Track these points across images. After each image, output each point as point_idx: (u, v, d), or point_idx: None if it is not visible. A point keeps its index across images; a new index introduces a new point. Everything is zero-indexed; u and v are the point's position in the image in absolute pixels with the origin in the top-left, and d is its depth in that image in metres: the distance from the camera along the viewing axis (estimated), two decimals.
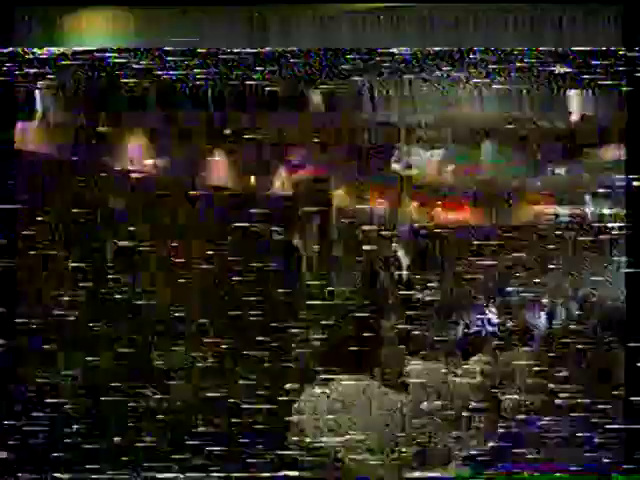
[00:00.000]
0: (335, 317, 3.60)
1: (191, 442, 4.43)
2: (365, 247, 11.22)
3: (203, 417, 6.61)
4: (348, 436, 3.13)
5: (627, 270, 2.59)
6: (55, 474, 2.27)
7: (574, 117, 10.23)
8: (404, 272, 10.13)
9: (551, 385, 2.70)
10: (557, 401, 2.67)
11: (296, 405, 3.36)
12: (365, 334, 3.32)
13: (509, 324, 9.25)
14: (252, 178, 12.66)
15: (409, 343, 4.56)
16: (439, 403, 4.40)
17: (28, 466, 2.22)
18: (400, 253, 10.23)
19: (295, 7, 6.27)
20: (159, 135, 10.11)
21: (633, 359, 2.45)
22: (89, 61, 6.87)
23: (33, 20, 6.47)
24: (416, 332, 4.78)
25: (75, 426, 3.33)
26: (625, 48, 2.78)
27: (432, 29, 6.33)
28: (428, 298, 13.70)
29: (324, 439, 3.17)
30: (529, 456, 2.60)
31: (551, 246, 18.23)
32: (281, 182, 13.51)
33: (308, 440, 3.24)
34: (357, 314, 3.48)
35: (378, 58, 7.08)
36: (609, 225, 16.96)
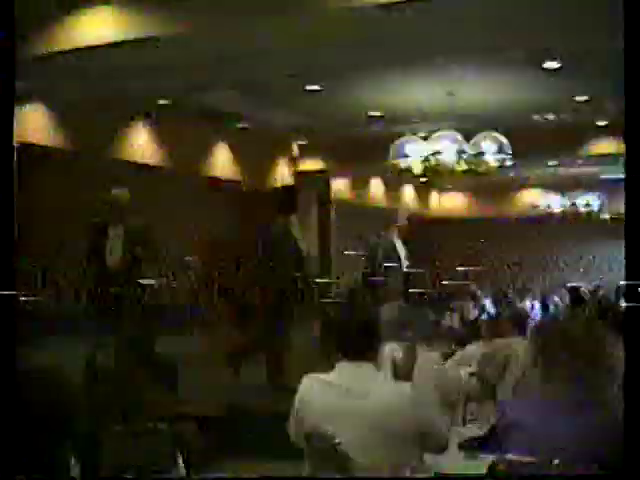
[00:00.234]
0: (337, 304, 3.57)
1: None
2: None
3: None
4: (349, 422, 3.11)
5: (627, 270, 2.55)
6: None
7: None
8: (403, 262, 10.08)
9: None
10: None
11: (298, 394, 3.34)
12: (366, 320, 3.30)
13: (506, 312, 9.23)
14: None
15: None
16: (436, 389, 4.37)
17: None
18: (398, 243, 10.18)
19: None
20: None
21: (633, 359, 2.42)
22: None
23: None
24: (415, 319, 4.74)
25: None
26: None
27: None
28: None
29: (326, 426, 3.15)
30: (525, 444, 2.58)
31: None
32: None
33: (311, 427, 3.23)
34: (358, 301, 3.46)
35: None
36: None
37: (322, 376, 3.30)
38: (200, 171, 11.71)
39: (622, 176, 15.09)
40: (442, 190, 19.99)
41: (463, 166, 9.85)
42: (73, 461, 2.37)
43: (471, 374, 6.00)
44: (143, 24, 6.53)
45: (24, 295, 7.77)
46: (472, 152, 9.83)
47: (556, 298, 16.20)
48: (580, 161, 14.00)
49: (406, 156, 9.99)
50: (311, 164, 13.88)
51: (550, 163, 14.70)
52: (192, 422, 4.11)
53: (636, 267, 2.50)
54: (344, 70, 8.63)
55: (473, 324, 13.55)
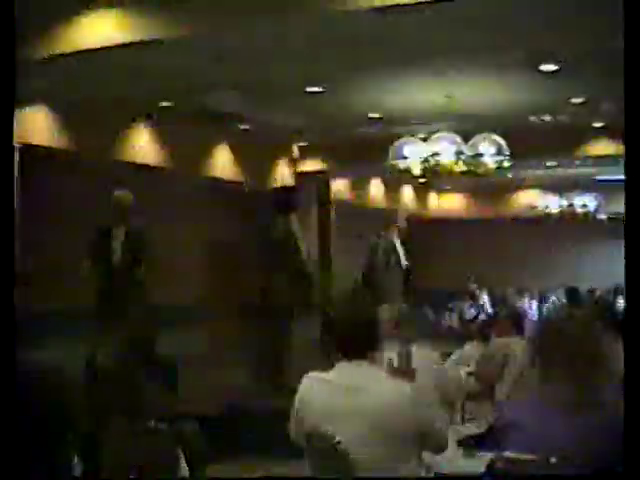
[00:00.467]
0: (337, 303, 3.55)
1: None
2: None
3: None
4: (349, 422, 3.10)
5: (626, 270, 2.54)
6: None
7: None
8: (403, 262, 10.09)
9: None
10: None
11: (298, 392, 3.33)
12: (366, 320, 3.29)
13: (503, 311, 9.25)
14: None
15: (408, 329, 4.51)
16: (436, 389, 4.36)
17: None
18: (398, 244, 10.18)
19: None
20: None
21: (633, 359, 2.41)
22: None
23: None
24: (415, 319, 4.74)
25: None
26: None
27: None
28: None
29: (326, 425, 3.14)
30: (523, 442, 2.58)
31: None
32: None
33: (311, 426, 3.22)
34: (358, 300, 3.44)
35: None
36: None
37: (322, 375, 3.29)
38: (201, 172, 11.71)
39: (619, 177, 15.15)
40: (441, 191, 20.00)
41: (461, 167, 9.85)
42: (75, 461, 2.37)
43: (469, 373, 6.01)
44: (145, 27, 6.52)
45: (26, 295, 7.78)
46: (470, 153, 9.82)
47: (554, 298, 16.21)
48: (577, 162, 14.00)
49: (405, 157, 9.99)
50: (311, 165, 13.87)
51: (548, 164, 14.69)
52: (193, 421, 4.10)
53: (636, 267, 2.49)
54: (344, 72, 8.63)
55: (471, 324, 13.56)
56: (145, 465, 3.11)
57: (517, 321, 6.49)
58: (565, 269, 18.36)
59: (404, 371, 3.39)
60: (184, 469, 3.42)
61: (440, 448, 3.31)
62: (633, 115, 2.53)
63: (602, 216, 17.36)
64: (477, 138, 9.96)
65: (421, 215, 19.15)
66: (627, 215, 2.62)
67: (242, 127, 11.64)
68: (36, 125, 8.73)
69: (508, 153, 9.96)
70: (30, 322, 7.04)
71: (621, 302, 12.07)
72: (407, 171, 10.16)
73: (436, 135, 9.98)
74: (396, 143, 10.11)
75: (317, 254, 13.91)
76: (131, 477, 3.08)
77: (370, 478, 3.11)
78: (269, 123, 11.47)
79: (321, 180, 14.53)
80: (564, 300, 14.79)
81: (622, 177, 14.23)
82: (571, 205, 16.91)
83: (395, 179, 16.44)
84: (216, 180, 12.05)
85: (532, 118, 11.60)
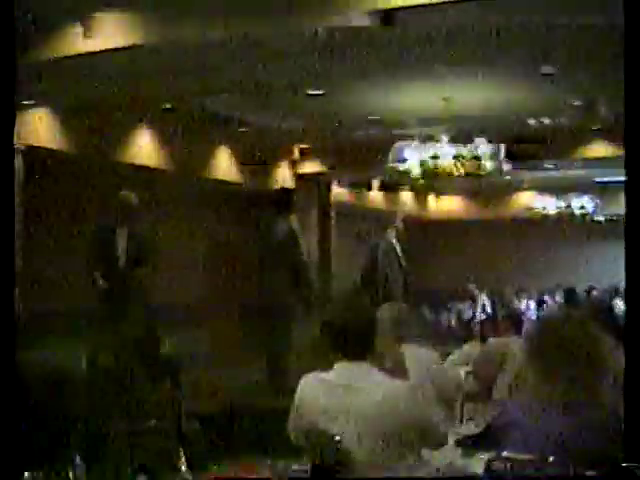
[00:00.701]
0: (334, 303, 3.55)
1: None
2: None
3: None
4: (348, 421, 3.10)
5: (626, 270, 2.53)
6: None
7: None
8: (402, 262, 10.08)
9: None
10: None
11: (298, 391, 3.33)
12: (365, 320, 3.29)
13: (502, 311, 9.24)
14: None
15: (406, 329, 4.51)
16: (435, 388, 4.36)
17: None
18: (397, 244, 10.18)
19: None
20: None
21: (633, 359, 2.40)
22: None
23: None
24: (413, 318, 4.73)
25: None
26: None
27: None
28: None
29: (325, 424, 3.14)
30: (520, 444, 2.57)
31: None
32: None
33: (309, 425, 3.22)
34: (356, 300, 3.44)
35: None
36: None
37: (321, 375, 3.29)
38: (202, 174, 11.71)
39: (616, 179, 15.14)
40: (440, 193, 20.00)
41: (460, 169, 9.85)
42: (78, 459, 2.37)
43: (468, 373, 5.99)
44: (146, 30, 6.52)
45: (29, 296, 7.78)
46: (469, 156, 9.83)
47: (551, 298, 16.20)
48: (575, 164, 14.00)
49: (404, 160, 10.00)
50: (311, 167, 13.87)
51: (546, 166, 14.69)
52: (194, 421, 4.11)
53: (636, 268, 2.48)
54: (344, 75, 8.63)
55: (470, 324, 13.56)
56: (146, 464, 3.11)
57: (515, 321, 6.48)
58: (563, 270, 18.36)
59: (396, 370, 3.39)
60: (185, 469, 3.42)
61: (439, 444, 3.32)
62: (633, 116, 2.52)
63: (600, 218, 17.37)
64: (476, 140, 9.97)
65: (420, 217, 19.16)
66: (627, 216, 2.62)
67: (242, 129, 11.64)
68: (38, 127, 8.73)
69: (506, 155, 9.96)
70: (30, 322, 7.05)
71: (619, 302, 12.06)
72: (406, 173, 10.17)
73: (435, 137, 9.98)
74: (396, 145, 10.12)
75: (317, 255, 13.92)
76: (132, 476, 3.08)
77: (370, 478, 3.11)
78: (269, 125, 11.47)
79: (321, 182, 14.54)
80: (561, 301, 14.80)
81: (620, 178, 14.23)
82: (569, 207, 16.92)
83: (395, 181, 16.45)
84: (217, 182, 12.05)
85: (531, 120, 11.61)
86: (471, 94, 9.91)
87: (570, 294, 14.02)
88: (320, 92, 9.64)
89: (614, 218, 16.58)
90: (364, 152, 12.74)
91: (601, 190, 16.88)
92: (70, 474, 2.19)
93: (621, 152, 11.06)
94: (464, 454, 3.59)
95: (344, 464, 3.05)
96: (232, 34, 6.45)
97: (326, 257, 14.48)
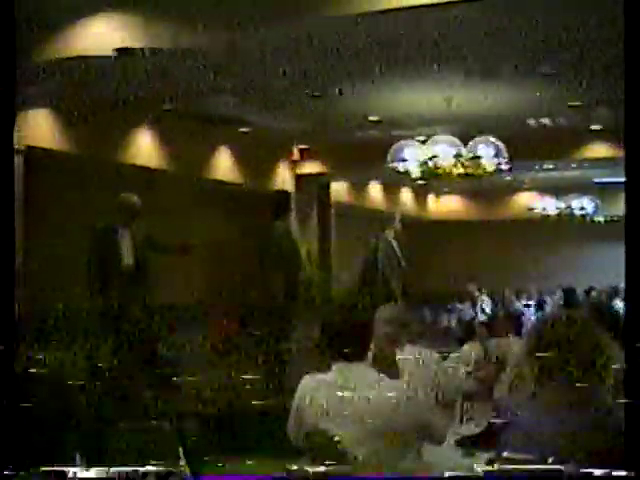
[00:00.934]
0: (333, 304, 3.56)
1: None
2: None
3: None
4: (348, 421, 3.11)
5: (626, 271, 2.53)
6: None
7: None
8: (401, 262, 10.09)
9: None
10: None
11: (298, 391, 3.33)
12: (364, 321, 3.29)
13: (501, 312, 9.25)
14: None
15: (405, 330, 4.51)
16: (434, 388, 4.36)
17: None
18: (395, 244, 10.18)
19: None
20: None
21: (633, 359, 2.40)
22: None
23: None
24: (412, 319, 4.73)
25: None
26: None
27: None
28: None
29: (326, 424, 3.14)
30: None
31: None
32: None
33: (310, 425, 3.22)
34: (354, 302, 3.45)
35: None
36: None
37: (321, 376, 3.30)
38: (203, 174, 11.72)
39: (616, 179, 15.14)
40: (439, 193, 20.00)
41: (460, 169, 9.85)
42: (78, 459, 2.37)
43: (468, 373, 5.99)
44: (146, 30, 6.52)
45: (31, 297, 7.78)
46: (469, 156, 9.83)
47: (551, 299, 16.20)
48: (575, 165, 14.01)
49: (404, 160, 10.00)
50: (311, 167, 13.88)
51: (546, 166, 14.70)
52: (194, 421, 4.11)
53: (636, 269, 2.48)
54: (345, 75, 8.63)
55: (470, 324, 13.55)
56: (146, 464, 3.11)
57: (515, 321, 6.50)
58: (563, 271, 18.37)
59: (387, 371, 3.40)
60: (184, 469, 3.42)
61: (439, 441, 3.33)
62: (633, 116, 2.52)
63: (600, 218, 17.38)
64: (475, 140, 9.97)
65: (420, 217, 19.16)
66: (627, 216, 2.62)
67: (243, 130, 11.64)
68: (39, 128, 8.73)
69: (506, 156, 9.96)
70: (30, 322, 7.05)
71: (619, 303, 12.06)
72: (406, 173, 10.16)
73: (435, 138, 9.98)
74: (395, 146, 10.11)
75: (317, 255, 13.92)
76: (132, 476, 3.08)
77: (370, 478, 3.12)
78: (270, 126, 11.48)
79: (321, 182, 14.54)
80: (561, 301, 14.80)
81: (620, 179, 14.26)
82: (569, 207, 16.92)
83: (394, 181, 16.45)
84: (217, 182, 12.06)
85: (531, 121, 11.61)
86: (471, 94, 9.91)
87: (569, 294, 14.03)
88: (320, 93, 9.64)
89: (614, 219, 16.60)
90: (364, 152, 12.74)
91: (601, 191, 16.89)
92: (70, 474, 2.20)
93: (621, 153, 11.08)
94: (464, 454, 3.59)
95: (344, 464, 3.05)
96: (232, 35, 6.45)
97: (326, 257, 14.48)
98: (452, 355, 6.78)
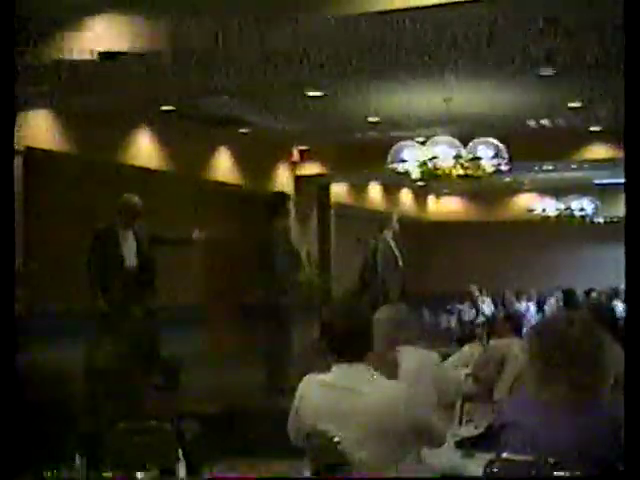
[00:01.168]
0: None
1: None
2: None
3: None
4: (348, 422, 3.11)
5: (626, 272, 2.53)
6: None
7: None
8: (400, 262, 10.09)
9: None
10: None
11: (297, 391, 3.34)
12: (364, 322, 3.29)
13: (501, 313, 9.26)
14: None
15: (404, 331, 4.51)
16: (435, 389, 4.36)
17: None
18: (394, 244, 10.19)
19: None
20: None
21: (633, 359, 2.40)
22: None
23: None
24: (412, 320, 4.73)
25: None
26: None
27: None
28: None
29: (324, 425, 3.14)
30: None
31: None
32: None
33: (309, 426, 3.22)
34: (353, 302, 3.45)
35: None
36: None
37: (321, 377, 3.29)
38: (202, 175, 11.72)
39: (616, 180, 15.11)
40: (439, 194, 20.00)
41: (460, 170, 9.85)
42: (78, 459, 2.37)
43: (467, 374, 6.00)
44: (146, 31, 6.52)
45: (33, 298, 7.78)
46: (469, 157, 9.82)
47: (550, 299, 16.20)
48: (574, 166, 14.01)
49: (404, 161, 9.99)
50: (311, 168, 13.88)
51: (545, 168, 14.70)
52: (194, 421, 4.10)
53: (636, 270, 2.48)
54: (344, 76, 8.63)
55: (470, 325, 13.55)
56: (146, 465, 3.11)
57: (515, 322, 6.49)
58: (563, 272, 18.37)
59: (386, 371, 3.40)
60: (184, 469, 3.42)
61: (438, 444, 3.32)
62: (633, 117, 2.52)
63: (600, 219, 17.38)
64: (475, 142, 9.97)
65: (420, 218, 19.17)
66: (627, 217, 2.62)
67: (242, 131, 11.65)
68: (39, 129, 8.74)
69: (506, 157, 9.96)
70: (30, 322, 7.04)
71: (619, 304, 12.07)
72: (406, 174, 10.16)
73: (435, 139, 9.98)
74: (395, 147, 10.10)
75: (317, 256, 13.92)
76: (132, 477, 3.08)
77: (370, 478, 3.11)
78: (269, 127, 11.48)
79: (321, 183, 14.54)
80: (561, 302, 14.80)
81: (620, 180, 14.26)
82: (568, 208, 16.92)
83: (394, 182, 16.45)
84: (217, 183, 12.05)
85: (530, 122, 11.61)
86: (471, 95, 9.92)
87: (569, 295, 14.03)
88: (320, 94, 9.64)
89: (614, 220, 16.60)
90: (364, 153, 12.75)
91: (600, 192, 16.89)
92: (70, 474, 2.19)
93: (621, 154, 11.08)
94: (464, 455, 3.59)
95: (344, 465, 3.06)
96: (232, 35, 6.45)
97: (326, 258, 14.48)
98: (452, 356, 6.79)
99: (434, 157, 9.75)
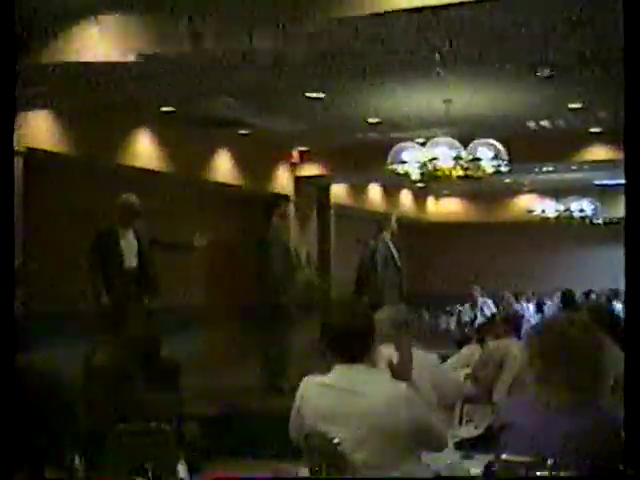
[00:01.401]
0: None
1: None
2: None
3: None
4: (348, 423, 3.10)
5: (626, 273, 2.53)
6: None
7: None
8: (398, 263, 10.09)
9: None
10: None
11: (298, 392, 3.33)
12: (364, 322, 3.29)
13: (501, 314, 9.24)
14: None
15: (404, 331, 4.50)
16: (434, 390, 4.36)
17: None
18: (392, 245, 10.18)
19: None
20: None
21: (633, 360, 2.40)
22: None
23: None
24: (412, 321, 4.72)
25: None
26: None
27: None
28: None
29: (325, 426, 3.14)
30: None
31: None
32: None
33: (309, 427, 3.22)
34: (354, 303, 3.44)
35: None
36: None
37: (321, 378, 3.29)
38: (202, 176, 11.72)
39: (616, 181, 15.11)
40: (439, 195, 20.00)
41: (460, 172, 9.85)
42: (77, 460, 2.36)
43: (467, 375, 5.99)
44: (147, 32, 6.52)
45: (34, 298, 7.78)
46: (468, 158, 9.82)
47: (549, 300, 16.20)
48: (574, 167, 14.01)
49: (404, 162, 9.99)
50: (311, 169, 13.88)
51: (545, 169, 14.70)
52: (194, 422, 4.10)
53: (636, 271, 2.48)
54: (344, 77, 8.63)
55: (469, 326, 13.55)
56: (146, 465, 3.11)
57: (514, 324, 6.48)
58: (562, 273, 18.36)
59: (403, 368, 3.38)
60: (184, 469, 3.42)
61: (439, 447, 3.31)
62: (633, 118, 2.52)
63: (599, 220, 17.37)
64: (475, 143, 9.97)
65: (419, 219, 19.17)
66: (627, 219, 2.61)
67: (242, 132, 11.65)
68: (39, 130, 8.73)
69: (506, 158, 9.96)
70: (30, 322, 7.04)
71: (618, 305, 12.06)
72: (406, 175, 10.16)
73: (434, 140, 9.98)
74: (395, 148, 10.10)
75: (316, 257, 13.92)
76: (132, 477, 3.08)
77: (370, 478, 3.11)
78: (269, 128, 11.48)
79: (321, 184, 14.54)
80: (560, 303, 14.79)
81: (620, 181, 14.25)
82: (568, 209, 16.92)
83: (394, 183, 16.45)
84: (217, 184, 12.05)
85: (530, 123, 11.61)
86: (471, 96, 9.92)
87: (567, 296, 14.01)
88: (320, 95, 9.65)
89: (614, 221, 16.59)
90: (364, 154, 12.75)
91: (600, 193, 16.89)
92: (69, 475, 2.19)
93: (621, 155, 11.07)
94: (463, 456, 3.59)
95: (344, 466, 3.05)
96: (231, 36, 6.45)
97: (326, 259, 14.48)
98: (451, 357, 6.79)
99: (434, 158, 9.75)
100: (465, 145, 9.92)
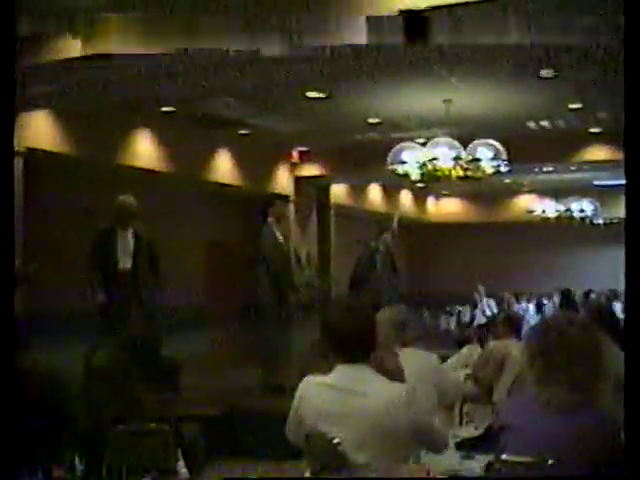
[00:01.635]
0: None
1: None
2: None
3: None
4: (348, 424, 3.10)
5: (626, 273, 2.53)
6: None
7: None
8: (396, 264, 10.08)
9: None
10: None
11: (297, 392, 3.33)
12: (364, 323, 3.28)
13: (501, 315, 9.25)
14: None
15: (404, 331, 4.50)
16: (435, 391, 4.36)
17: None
18: (392, 246, 10.17)
19: None
20: None
21: (633, 360, 2.40)
22: None
23: None
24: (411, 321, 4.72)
25: None
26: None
27: None
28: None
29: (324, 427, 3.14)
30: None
31: None
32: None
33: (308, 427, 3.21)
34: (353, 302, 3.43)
35: None
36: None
37: (321, 378, 3.29)
38: (202, 176, 11.72)
39: (616, 182, 15.10)
40: (439, 195, 20.01)
41: (459, 172, 9.85)
42: (77, 461, 2.36)
43: (467, 376, 5.99)
44: (147, 33, 6.52)
45: (33, 298, 7.78)
46: (468, 158, 9.82)
47: (549, 301, 16.20)
48: (574, 167, 14.01)
49: (404, 162, 9.99)
50: (311, 169, 13.89)
51: (545, 169, 14.71)
52: (194, 422, 4.10)
53: (635, 271, 2.48)
54: (345, 78, 8.63)
55: (469, 326, 13.55)
56: (146, 465, 3.11)
57: (515, 324, 6.47)
58: (562, 273, 18.37)
59: (393, 372, 3.38)
60: (184, 469, 3.41)
61: (440, 448, 3.31)
62: (632, 119, 2.52)
63: (599, 221, 17.37)
64: (475, 143, 9.97)
65: (419, 219, 19.17)
66: (627, 219, 2.61)
67: (242, 132, 11.65)
68: (39, 130, 8.74)
69: (506, 158, 9.96)
70: (30, 322, 7.04)
71: (618, 305, 12.07)
72: (406, 176, 10.16)
73: (434, 140, 9.98)
74: (395, 148, 10.11)
75: (316, 257, 13.92)
76: (132, 477, 3.08)
77: (370, 479, 3.11)
78: (270, 128, 11.48)
79: (321, 184, 14.55)
80: (559, 304, 14.79)
81: (620, 182, 14.26)
82: (568, 210, 16.92)
83: (394, 184, 16.46)
84: (217, 184, 12.06)
85: (530, 123, 11.61)
86: (471, 97, 9.92)
87: (566, 296, 14.01)
88: (320, 95, 9.65)
89: (613, 221, 16.60)
90: (364, 155, 12.75)
91: (600, 193, 16.89)
92: (69, 475, 2.19)
93: (620, 155, 11.08)
94: (464, 456, 3.59)
95: (344, 466, 3.05)
96: (231, 36, 6.45)
97: (325, 259, 14.49)
98: (451, 357, 6.79)
99: (434, 158, 9.75)
100: (465, 145, 9.92)
